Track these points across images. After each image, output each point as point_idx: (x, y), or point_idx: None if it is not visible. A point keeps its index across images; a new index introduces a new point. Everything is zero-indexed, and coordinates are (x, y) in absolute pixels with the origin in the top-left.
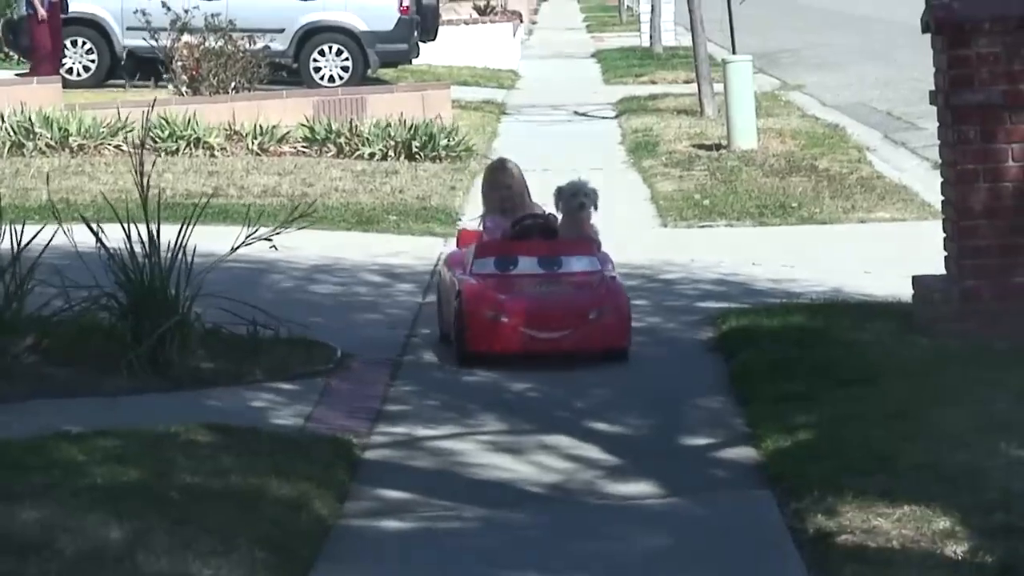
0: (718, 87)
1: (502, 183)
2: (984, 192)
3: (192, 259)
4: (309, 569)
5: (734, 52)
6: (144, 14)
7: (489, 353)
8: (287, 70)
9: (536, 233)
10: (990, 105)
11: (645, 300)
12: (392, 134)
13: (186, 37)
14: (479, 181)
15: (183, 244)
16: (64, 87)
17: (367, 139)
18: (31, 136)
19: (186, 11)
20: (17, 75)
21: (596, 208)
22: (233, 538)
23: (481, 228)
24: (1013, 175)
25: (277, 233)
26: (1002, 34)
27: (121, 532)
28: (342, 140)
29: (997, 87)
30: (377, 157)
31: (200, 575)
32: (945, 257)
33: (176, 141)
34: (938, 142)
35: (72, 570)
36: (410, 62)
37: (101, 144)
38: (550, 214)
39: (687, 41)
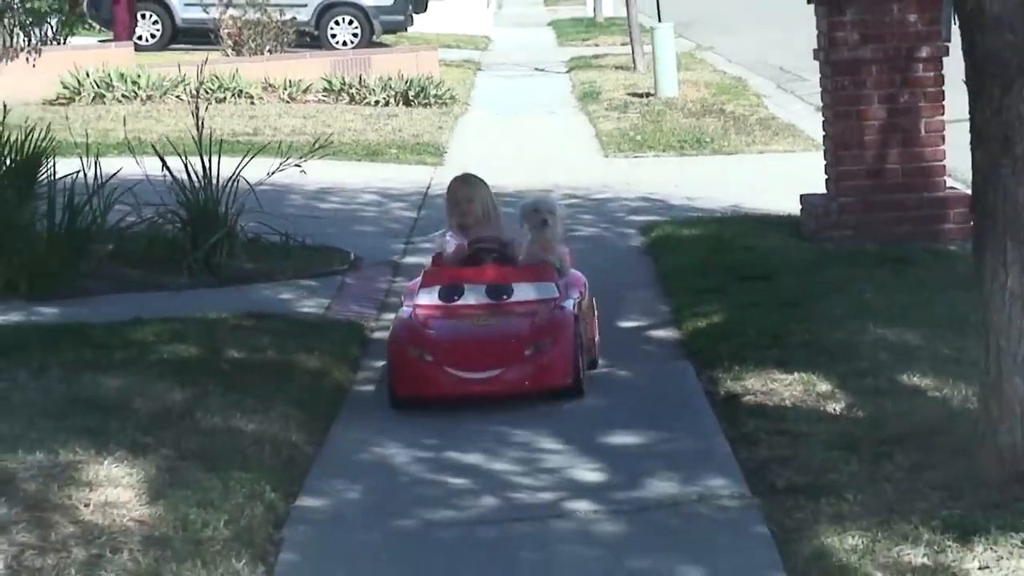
0: (647, 48)
1: (463, 198)
2: (855, 128)
3: (237, 183)
4: (331, 423)
5: (660, 20)
6: None
7: (416, 397)
8: (310, 36)
9: (492, 258)
10: (860, 60)
11: (590, 215)
12: (392, 86)
13: (231, 11)
14: (462, 122)
15: (235, 174)
16: (136, 51)
17: (373, 90)
18: (110, 89)
19: None
20: (99, 42)
21: (561, 227)
22: (271, 400)
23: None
24: (877, 115)
25: (304, 160)
26: (869, 4)
27: (183, 396)
28: (353, 91)
29: (866, 46)
30: (381, 104)
31: (246, 428)
32: (825, 179)
33: (223, 92)
34: (820, 90)
35: (146, 425)
36: (406, 30)
37: (165, 95)
38: (512, 240)
39: (623, 12)
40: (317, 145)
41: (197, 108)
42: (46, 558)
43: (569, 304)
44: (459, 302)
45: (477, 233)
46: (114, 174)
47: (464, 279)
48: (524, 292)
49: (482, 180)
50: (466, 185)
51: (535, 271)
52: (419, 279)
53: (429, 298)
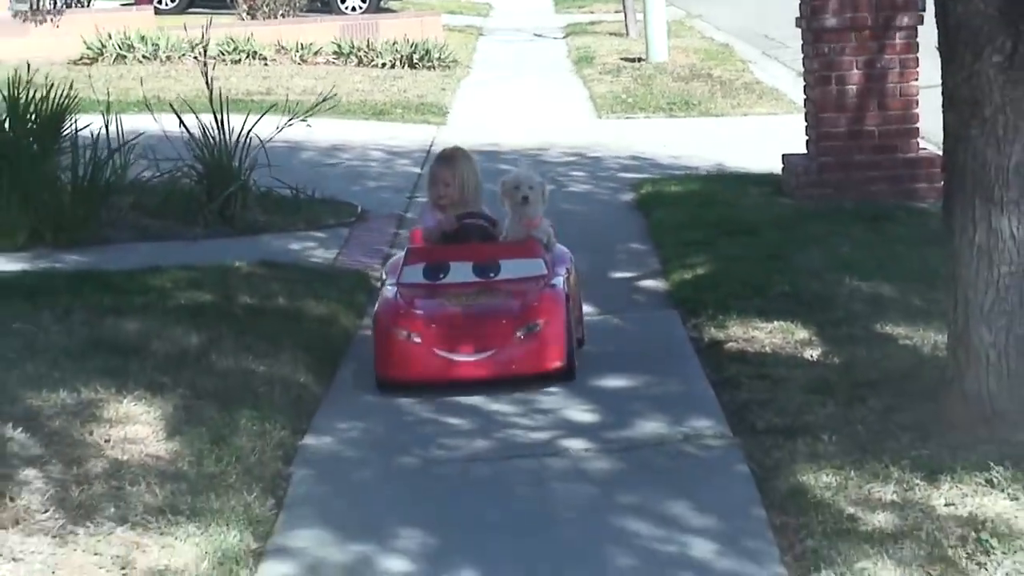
0: (639, 15)
1: (443, 176)
2: (834, 92)
3: (250, 140)
4: (337, 367)
5: None
6: None
7: (403, 380)
8: (321, 1)
9: (476, 236)
10: (840, 28)
11: (584, 172)
12: (398, 49)
13: None
14: (463, 84)
15: (249, 131)
16: (156, 13)
17: (380, 53)
18: (131, 50)
19: None
20: (121, 5)
21: (545, 201)
22: (281, 343)
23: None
24: (856, 80)
25: (311, 114)
26: None
27: (199, 339)
28: (361, 54)
29: (845, 15)
30: (387, 66)
31: (257, 370)
32: (806, 140)
33: (239, 54)
34: (801, 56)
35: (163, 366)
36: None
37: (183, 56)
38: (495, 222)
39: None
40: (321, 99)
41: (206, 67)
42: (69, 490)
43: (559, 281)
44: (445, 280)
45: (456, 211)
46: (138, 136)
47: (449, 256)
48: (511, 269)
49: (468, 157)
50: (449, 163)
51: (522, 247)
52: (401, 256)
53: (413, 276)
